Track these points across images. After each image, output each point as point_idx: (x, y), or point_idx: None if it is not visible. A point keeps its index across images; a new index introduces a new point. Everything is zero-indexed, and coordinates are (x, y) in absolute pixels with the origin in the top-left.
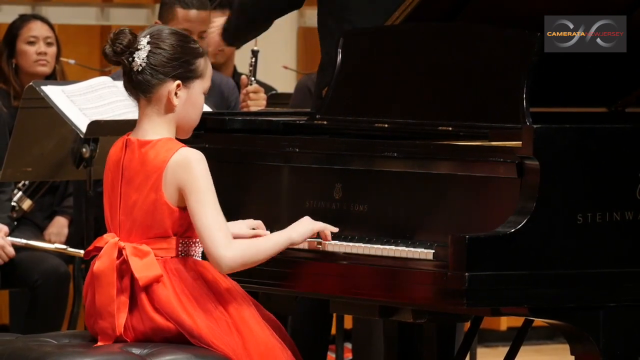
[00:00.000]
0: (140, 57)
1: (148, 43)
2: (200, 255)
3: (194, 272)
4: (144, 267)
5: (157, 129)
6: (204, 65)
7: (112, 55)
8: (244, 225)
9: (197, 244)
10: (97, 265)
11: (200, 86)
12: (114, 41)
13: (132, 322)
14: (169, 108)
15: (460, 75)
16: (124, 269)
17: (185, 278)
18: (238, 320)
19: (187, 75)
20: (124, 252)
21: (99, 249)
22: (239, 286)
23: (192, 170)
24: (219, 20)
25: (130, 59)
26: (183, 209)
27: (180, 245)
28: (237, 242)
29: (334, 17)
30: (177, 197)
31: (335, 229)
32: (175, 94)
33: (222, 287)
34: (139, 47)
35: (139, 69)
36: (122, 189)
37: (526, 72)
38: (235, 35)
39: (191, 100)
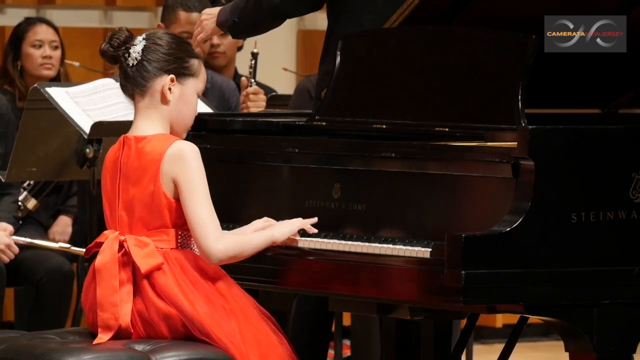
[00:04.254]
0: (136, 51)
1: (144, 39)
2: None
3: (193, 263)
4: (145, 256)
5: (152, 124)
6: (198, 66)
7: (109, 49)
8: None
9: None
10: (99, 259)
11: (194, 86)
12: (111, 37)
13: (137, 308)
14: (163, 102)
15: (457, 77)
16: (125, 261)
17: (185, 267)
18: (236, 308)
19: (181, 72)
20: (125, 245)
21: (100, 244)
22: (235, 282)
23: (186, 163)
24: (213, 10)
25: (127, 54)
26: (179, 200)
27: (179, 237)
28: (226, 237)
29: (352, 22)
30: (172, 188)
31: (315, 220)
32: (169, 88)
33: (221, 279)
34: (135, 43)
35: (134, 63)
36: (120, 185)
37: (521, 74)
38: (247, 30)
39: (184, 98)
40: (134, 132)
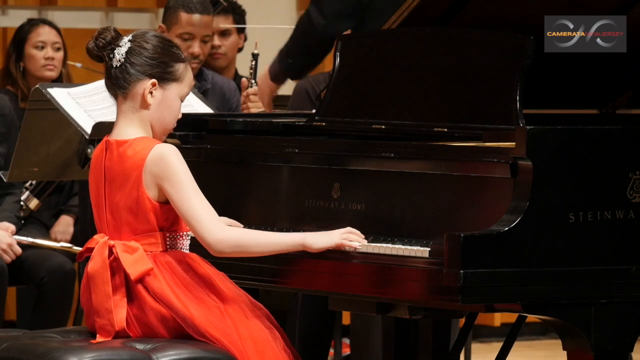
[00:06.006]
0: (120, 52)
1: (129, 41)
2: (187, 248)
3: (184, 264)
4: (135, 262)
5: (132, 127)
6: (184, 70)
7: (94, 49)
8: None
9: (183, 237)
10: (91, 265)
11: (177, 90)
12: (97, 36)
13: (134, 313)
14: (143, 106)
15: (455, 78)
16: (115, 267)
17: (176, 270)
18: (229, 307)
19: (163, 76)
20: (114, 250)
21: (91, 250)
22: (227, 277)
23: (168, 164)
24: (259, 80)
25: (111, 54)
26: (164, 203)
27: (167, 239)
28: (226, 228)
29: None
30: (157, 192)
31: (363, 239)
32: (150, 92)
33: (212, 278)
34: (120, 44)
35: (118, 64)
36: (105, 189)
37: (519, 75)
38: (304, 64)
39: (166, 102)
40: (116, 134)
